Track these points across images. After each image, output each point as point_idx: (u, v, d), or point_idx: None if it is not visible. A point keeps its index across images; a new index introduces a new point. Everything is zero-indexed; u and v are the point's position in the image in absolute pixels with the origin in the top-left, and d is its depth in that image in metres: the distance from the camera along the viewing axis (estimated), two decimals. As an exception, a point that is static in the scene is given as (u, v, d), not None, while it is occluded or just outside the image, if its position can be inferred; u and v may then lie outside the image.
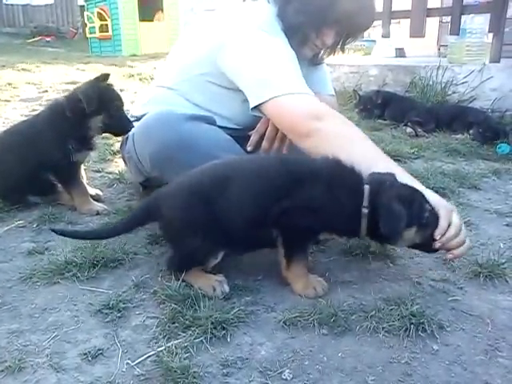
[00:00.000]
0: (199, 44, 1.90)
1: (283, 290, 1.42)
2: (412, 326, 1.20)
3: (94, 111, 1.91)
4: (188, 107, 1.91)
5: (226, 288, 1.38)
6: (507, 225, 1.97)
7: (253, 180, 1.41)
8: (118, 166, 2.69)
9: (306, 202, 1.35)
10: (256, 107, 1.71)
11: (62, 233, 1.59)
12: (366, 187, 1.37)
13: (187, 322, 1.23)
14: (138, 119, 1.99)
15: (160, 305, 1.33)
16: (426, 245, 1.42)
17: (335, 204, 1.35)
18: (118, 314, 1.30)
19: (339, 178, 1.39)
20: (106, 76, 1.99)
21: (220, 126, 1.89)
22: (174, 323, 1.24)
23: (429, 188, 2.27)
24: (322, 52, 1.98)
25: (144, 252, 1.67)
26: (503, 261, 1.59)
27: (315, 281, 1.41)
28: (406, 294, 1.37)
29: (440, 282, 1.48)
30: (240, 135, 1.91)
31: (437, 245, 1.39)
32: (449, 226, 1.39)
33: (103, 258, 1.57)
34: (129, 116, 2.06)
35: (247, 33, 1.77)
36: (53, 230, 1.57)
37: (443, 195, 2.26)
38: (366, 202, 1.36)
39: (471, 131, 3.34)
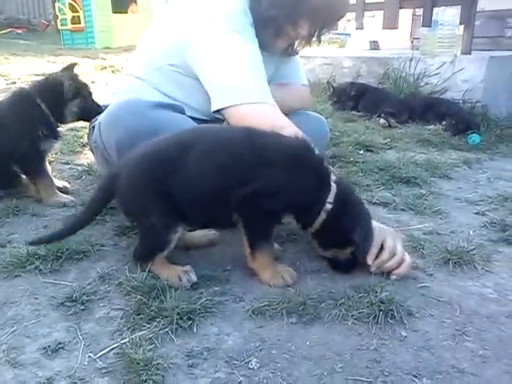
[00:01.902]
0: (168, 35, 1.85)
1: (252, 279, 1.40)
2: (381, 313, 1.20)
3: (73, 96, 1.94)
4: (157, 96, 1.86)
5: (193, 277, 1.35)
6: (477, 213, 1.99)
7: (216, 153, 1.35)
8: (87, 157, 2.62)
9: (273, 181, 1.30)
10: (217, 111, 1.70)
11: (40, 241, 1.49)
12: (334, 185, 1.38)
13: (153, 313, 1.19)
14: (105, 108, 1.94)
15: (125, 296, 1.30)
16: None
17: (303, 187, 1.33)
18: (82, 307, 1.26)
19: (310, 163, 1.37)
20: (73, 65, 2.03)
21: (189, 117, 1.86)
22: (139, 315, 1.20)
23: (401, 178, 2.33)
24: (297, 43, 1.95)
25: (111, 243, 1.63)
26: (472, 247, 1.60)
27: (283, 269, 1.39)
28: (375, 281, 1.36)
29: (410, 269, 1.48)
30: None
31: (372, 268, 1.41)
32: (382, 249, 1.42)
33: (68, 249, 1.52)
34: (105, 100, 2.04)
35: (215, 30, 1.72)
36: (31, 244, 1.48)
37: (415, 185, 2.28)
38: (331, 198, 1.36)
39: (444, 122, 3.37)
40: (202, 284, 1.36)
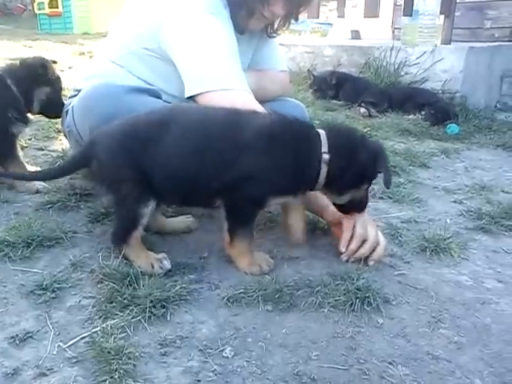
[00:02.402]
0: (142, 18, 1.80)
1: (229, 266, 1.38)
2: (357, 300, 1.19)
3: (45, 81, 1.92)
4: (132, 81, 1.81)
5: (166, 264, 1.32)
6: (454, 201, 2.00)
7: (195, 133, 1.32)
8: (62, 143, 2.56)
9: (261, 162, 1.27)
10: (191, 97, 1.65)
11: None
12: (322, 132, 1.33)
13: (125, 301, 1.17)
14: (79, 92, 1.88)
15: (98, 284, 1.26)
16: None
17: (292, 155, 1.28)
18: (52, 295, 1.22)
19: (290, 127, 1.33)
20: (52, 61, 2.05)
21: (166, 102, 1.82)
22: (111, 303, 1.17)
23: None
24: (276, 24, 1.91)
25: (84, 231, 1.58)
26: (449, 235, 1.60)
27: (260, 257, 1.37)
28: (352, 268, 1.35)
29: (387, 256, 1.48)
30: None
31: (344, 258, 1.42)
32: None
33: (39, 236, 1.47)
34: (71, 90, 2.01)
35: (189, 14, 1.68)
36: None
37: (394, 173, 2.27)
38: (325, 148, 1.30)
39: (423, 112, 3.38)
40: (177, 272, 1.33)
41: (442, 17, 3.71)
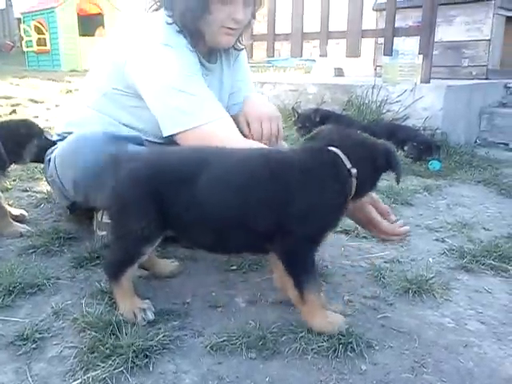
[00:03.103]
0: (109, 59, 1.84)
1: (212, 312, 1.37)
2: (341, 346, 1.19)
3: (32, 135, 1.94)
4: (108, 124, 1.82)
5: (150, 315, 1.30)
6: (436, 239, 2.02)
7: (234, 175, 1.28)
8: (47, 184, 2.55)
9: (312, 198, 1.23)
10: (172, 135, 1.67)
11: None
12: (337, 150, 1.30)
13: (108, 351, 1.15)
14: (61, 138, 1.91)
15: (80, 333, 1.25)
16: None
17: (333, 182, 1.27)
18: (33, 346, 1.21)
19: (319, 156, 1.30)
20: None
21: (146, 141, 1.84)
22: (93, 353, 1.16)
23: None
24: (240, 32, 1.87)
25: (67, 276, 1.57)
26: (431, 275, 1.62)
27: (331, 314, 1.29)
28: (337, 312, 1.35)
29: (371, 298, 1.49)
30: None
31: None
32: None
33: (21, 283, 1.46)
34: (52, 135, 2.04)
35: (149, 49, 1.70)
36: None
37: (377, 211, 2.30)
38: (347, 163, 1.28)
39: (406, 148, 3.43)
40: (161, 319, 1.32)
41: (421, 56, 3.81)
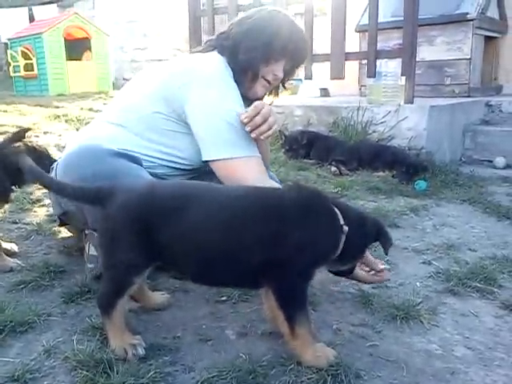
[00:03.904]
0: (153, 83, 1.90)
1: (203, 345, 1.39)
2: (329, 377, 1.20)
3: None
4: (139, 143, 1.87)
5: (140, 351, 1.31)
6: (423, 262, 2.06)
7: (226, 211, 1.31)
8: (37, 215, 2.57)
9: (307, 234, 1.27)
10: (207, 161, 1.81)
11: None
12: (335, 208, 1.36)
13: (99, 390, 1.16)
14: None
15: (71, 372, 1.25)
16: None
17: (327, 224, 1.33)
18: (24, 387, 1.21)
19: (316, 203, 1.35)
20: (26, 130, 2.04)
21: (176, 168, 1.93)
22: (85, 392, 1.17)
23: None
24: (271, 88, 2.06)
25: (58, 312, 1.58)
26: (419, 301, 1.65)
27: (321, 347, 1.31)
28: (326, 342, 1.37)
29: (359, 326, 1.51)
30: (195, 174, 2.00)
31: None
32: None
33: (12, 321, 1.46)
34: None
35: (209, 79, 1.82)
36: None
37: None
38: (341, 219, 1.34)
39: (395, 172, 3.46)
40: (152, 354, 1.33)
41: (404, 77, 3.90)
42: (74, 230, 2.13)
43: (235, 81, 1.88)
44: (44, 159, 1.99)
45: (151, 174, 1.78)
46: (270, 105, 1.79)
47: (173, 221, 1.28)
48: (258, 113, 1.71)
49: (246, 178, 1.71)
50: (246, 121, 1.70)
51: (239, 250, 1.27)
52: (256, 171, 1.78)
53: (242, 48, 1.90)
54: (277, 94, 2.13)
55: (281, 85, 2.08)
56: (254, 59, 1.89)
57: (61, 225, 2.15)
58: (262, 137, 1.76)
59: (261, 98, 2.04)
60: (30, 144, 2.03)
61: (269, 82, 1.96)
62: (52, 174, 1.90)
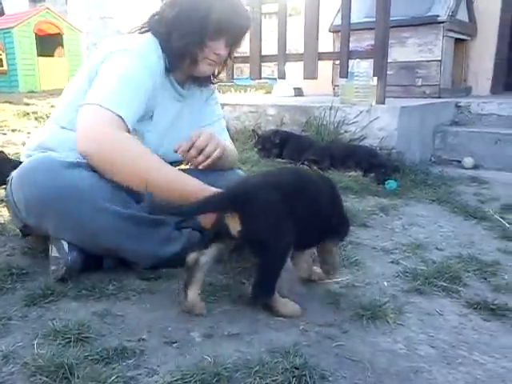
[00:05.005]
0: (80, 75, 1.91)
1: (168, 348, 1.36)
2: (294, 379, 1.19)
3: None
4: None
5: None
6: (392, 261, 2.08)
7: (320, 192, 1.65)
8: (1, 215, 2.49)
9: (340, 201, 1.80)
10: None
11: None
12: None
13: (58, 397, 1.13)
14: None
15: (30, 378, 1.22)
16: None
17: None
18: (-20, 394, 1.17)
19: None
20: None
21: None
22: (43, 399, 1.14)
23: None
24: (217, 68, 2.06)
25: (19, 316, 1.53)
26: (385, 300, 1.66)
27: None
28: (291, 343, 1.37)
29: (326, 327, 1.50)
30: None
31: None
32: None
33: (-31, 326, 1.42)
34: (24, 154, 2.04)
35: (127, 51, 1.82)
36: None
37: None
38: None
39: (372, 174, 3.47)
40: (115, 357, 1.30)
41: (376, 78, 3.94)
42: (40, 250, 2.02)
43: (172, 65, 1.89)
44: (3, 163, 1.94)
45: None
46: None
47: (298, 202, 1.52)
48: (192, 145, 1.76)
49: (81, 123, 1.68)
50: (180, 154, 1.74)
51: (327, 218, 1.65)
52: (100, 124, 1.67)
53: (175, 35, 1.85)
54: (225, 64, 2.09)
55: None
56: (189, 45, 1.85)
57: (24, 235, 2.09)
58: (200, 167, 1.83)
59: (213, 74, 2.09)
60: None
61: (213, 60, 1.92)
62: (7, 188, 1.87)
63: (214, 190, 1.68)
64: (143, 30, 1.97)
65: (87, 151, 1.67)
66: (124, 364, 1.29)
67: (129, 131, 1.72)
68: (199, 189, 1.69)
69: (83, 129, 1.68)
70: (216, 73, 2.12)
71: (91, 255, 1.79)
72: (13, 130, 4.89)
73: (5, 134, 4.79)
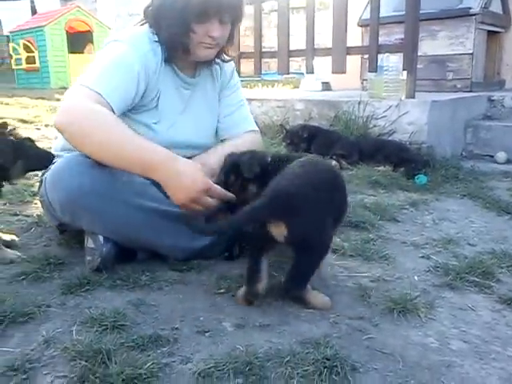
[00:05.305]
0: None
1: (200, 337, 1.40)
2: (326, 369, 1.21)
3: (12, 161, 1.84)
4: None
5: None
6: (422, 256, 2.06)
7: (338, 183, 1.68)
8: (37, 207, 2.57)
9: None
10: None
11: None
12: None
13: (98, 380, 1.17)
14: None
15: (70, 362, 1.26)
16: None
17: None
18: (24, 376, 1.22)
19: None
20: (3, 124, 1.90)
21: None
22: (83, 382, 1.18)
23: (351, 222, 2.38)
24: (222, 48, 1.97)
25: (57, 303, 1.59)
26: (417, 294, 1.65)
27: None
28: (322, 335, 1.38)
29: (356, 319, 1.51)
30: None
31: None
32: None
33: (12, 312, 1.47)
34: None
35: (122, 41, 1.85)
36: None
37: (364, 229, 2.34)
38: None
39: (402, 169, 3.43)
40: (150, 344, 1.34)
41: (405, 72, 3.89)
42: (76, 241, 2.06)
43: (168, 55, 1.87)
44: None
45: None
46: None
47: (333, 197, 1.59)
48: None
49: (62, 102, 1.69)
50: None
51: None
52: (76, 98, 1.68)
53: (163, 25, 1.83)
54: (231, 42, 1.98)
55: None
56: (175, 36, 1.81)
57: (60, 232, 2.11)
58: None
59: (224, 52, 2.00)
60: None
61: (207, 42, 1.84)
62: (41, 188, 1.93)
63: (184, 160, 1.64)
64: (143, 22, 1.96)
65: (61, 124, 1.65)
66: (158, 351, 1.32)
67: (112, 110, 1.70)
68: (169, 158, 1.63)
69: (61, 105, 1.68)
70: (227, 51, 2.00)
71: (125, 247, 1.83)
72: (46, 125, 5.01)
73: (38, 128, 4.93)
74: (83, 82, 1.71)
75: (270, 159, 1.76)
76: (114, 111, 1.69)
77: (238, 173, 1.74)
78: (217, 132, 2.15)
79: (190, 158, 1.84)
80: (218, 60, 2.02)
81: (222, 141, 2.13)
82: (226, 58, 2.04)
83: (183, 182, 1.59)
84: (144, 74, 1.81)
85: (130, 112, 1.86)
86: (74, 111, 1.66)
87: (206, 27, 1.80)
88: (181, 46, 1.84)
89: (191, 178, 1.60)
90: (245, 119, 2.20)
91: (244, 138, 2.13)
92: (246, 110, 2.22)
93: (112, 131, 1.63)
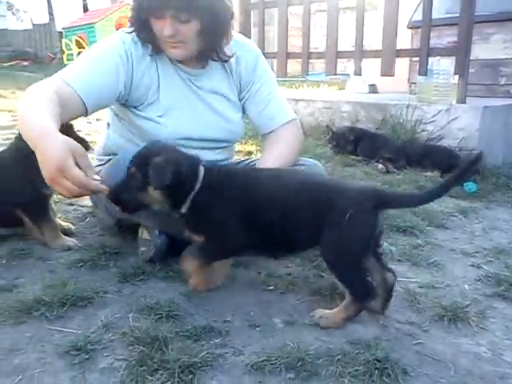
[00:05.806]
0: None
1: (251, 331, 1.43)
2: (376, 371, 1.22)
3: None
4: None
5: None
6: (472, 265, 2.03)
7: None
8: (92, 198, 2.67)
9: None
10: None
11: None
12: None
13: (155, 365, 1.22)
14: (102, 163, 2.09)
15: (129, 347, 1.33)
16: None
17: None
18: (86, 356, 1.29)
19: None
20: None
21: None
22: (142, 366, 1.23)
23: (399, 227, 2.36)
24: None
25: (114, 290, 1.66)
26: (467, 303, 1.64)
27: None
28: (372, 337, 1.40)
29: (406, 324, 1.52)
30: None
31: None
32: None
33: (73, 296, 1.56)
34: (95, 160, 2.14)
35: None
36: None
37: (412, 234, 2.32)
38: None
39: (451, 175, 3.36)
40: (203, 336, 1.39)
41: (457, 76, 3.82)
42: (129, 232, 2.10)
43: (153, 50, 1.84)
44: None
45: None
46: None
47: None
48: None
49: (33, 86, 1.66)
50: None
51: None
52: (37, 84, 1.68)
53: (134, 22, 1.83)
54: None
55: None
56: (140, 33, 1.81)
57: (118, 227, 2.14)
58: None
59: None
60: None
61: (171, 42, 1.77)
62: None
63: (57, 138, 1.45)
64: None
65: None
66: (211, 342, 1.37)
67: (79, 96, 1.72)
68: (41, 135, 1.47)
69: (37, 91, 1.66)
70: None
71: (178, 241, 1.89)
72: (97, 119, 5.17)
73: (90, 122, 5.09)
74: (57, 74, 1.75)
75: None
76: (80, 96, 1.71)
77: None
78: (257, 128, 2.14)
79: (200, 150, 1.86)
80: (215, 58, 1.92)
81: (263, 136, 2.13)
82: (224, 57, 1.91)
83: (44, 158, 1.44)
84: (122, 65, 1.81)
85: (136, 109, 1.89)
86: (26, 95, 1.65)
87: (160, 23, 1.73)
88: (149, 41, 1.83)
89: (49, 155, 1.42)
90: (279, 111, 2.07)
91: (279, 138, 2.03)
92: (278, 101, 2.08)
93: (31, 108, 1.56)
